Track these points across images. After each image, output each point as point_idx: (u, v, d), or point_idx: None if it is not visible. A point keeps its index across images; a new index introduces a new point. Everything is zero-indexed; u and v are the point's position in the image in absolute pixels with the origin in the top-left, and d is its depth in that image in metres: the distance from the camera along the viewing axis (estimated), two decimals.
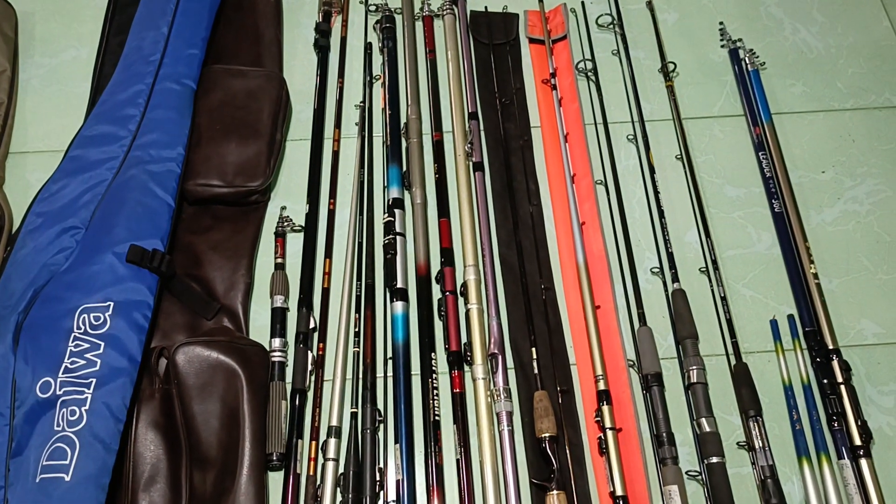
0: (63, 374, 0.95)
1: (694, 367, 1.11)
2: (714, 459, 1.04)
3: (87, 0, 1.48)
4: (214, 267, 1.19)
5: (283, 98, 1.31)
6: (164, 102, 1.22)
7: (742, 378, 1.11)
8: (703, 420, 1.07)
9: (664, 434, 1.06)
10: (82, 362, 0.96)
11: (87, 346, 0.97)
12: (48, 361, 0.96)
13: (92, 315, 0.99)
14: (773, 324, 1.18)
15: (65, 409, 0.93)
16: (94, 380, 0.95)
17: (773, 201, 1.28)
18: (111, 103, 1.23)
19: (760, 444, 1.06)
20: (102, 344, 0.98)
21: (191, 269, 1.18)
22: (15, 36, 1.40)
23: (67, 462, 0.90)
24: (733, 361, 1.14)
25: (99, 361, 0.96)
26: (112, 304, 1.01)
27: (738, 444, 1.09)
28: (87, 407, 0.93)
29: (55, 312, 1.00)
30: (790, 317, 1.19)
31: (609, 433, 1.05)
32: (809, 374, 1.14)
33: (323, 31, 1.43)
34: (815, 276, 1.20)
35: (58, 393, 0.94)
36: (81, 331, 0.98)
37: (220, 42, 1.38)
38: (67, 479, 0.89)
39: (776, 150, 1.33)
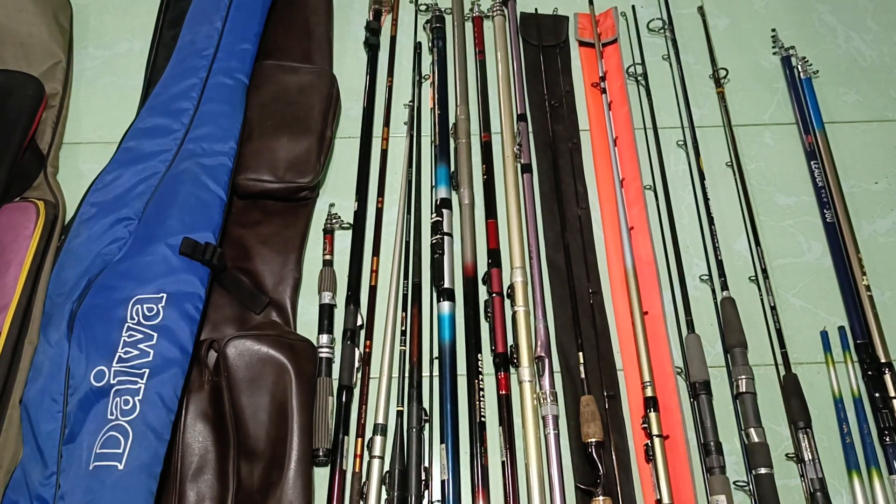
0: (117, 363, 0.96)
1: (743, 377, 1.09)
2: (762, 470, 1.03)
3: None
4: (264, 261, 1.19)
5: (334, 95, 1.31)
6: (217, 96, 1.22)
7: (791, 389, 1.10)
8: (752, 430, 1.06)
9: (712, 443, 1.05)
10: (136, 352, 0.97)
11: (140, 336, 0.98)
12: (102, 350, 0.97)
13: (145, 306, 1.00)
14: (824, 335, 1.17)
15: (118, 399, 0.94)
16: (148, 370, 0.96)
17: (825, 211, 1.26)
18: (165, 96, 1.24)
19: (810, 457, 1.04)
20: (156, 335, 0.98)
21: (240, 263, 1.18)
22: (70, 27, 1.41)
23: (121, 451, 0.91)
24: (782, 372, 1.12)
25: (152, 352, 0.97)
26: (165, 295, 1.02)
27: (786, 455, 1.07)
28: (140, 397, 0.94)
29: (109, 301, 1.01)
30: (841, 328, 1.17)
31: (656, 440, 1.04)
32: (860, 387, 1.12)
33: (373, 30, 1.43)
34: (868, 287, 1.18)
35: (112, 382, 0.95)
36: (135, 321, 0.99)
37: (271, 38, 1.39)
38: (121, 467, 0.90)
39: (828, 159, 1.31)
